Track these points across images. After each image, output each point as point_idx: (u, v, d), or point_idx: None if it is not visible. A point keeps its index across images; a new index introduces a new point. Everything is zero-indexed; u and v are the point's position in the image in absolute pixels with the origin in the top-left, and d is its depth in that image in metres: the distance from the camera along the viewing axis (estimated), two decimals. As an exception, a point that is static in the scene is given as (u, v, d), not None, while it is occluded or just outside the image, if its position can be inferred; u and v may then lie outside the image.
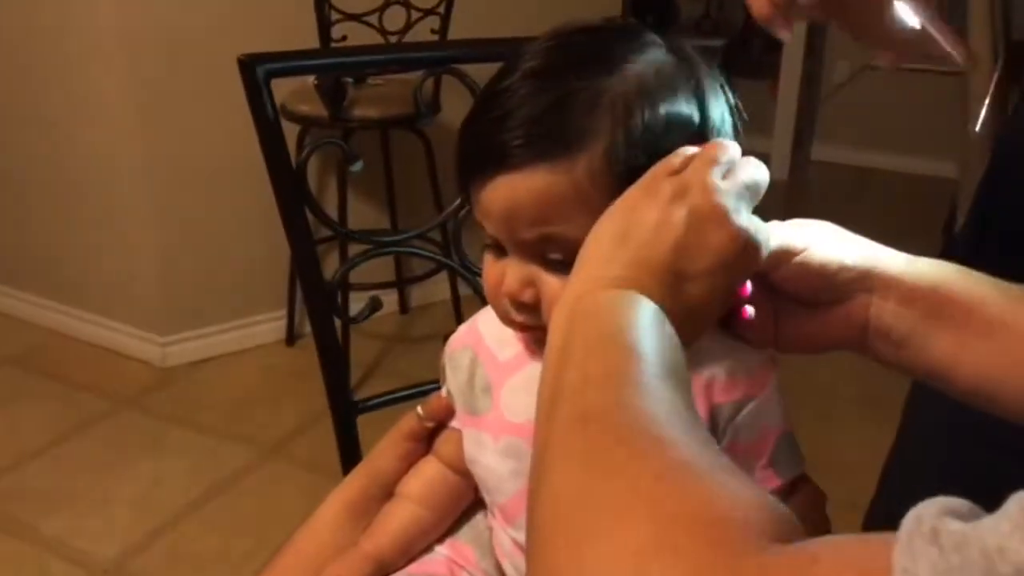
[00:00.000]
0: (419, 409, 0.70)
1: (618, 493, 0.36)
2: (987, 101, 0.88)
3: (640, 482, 0.36)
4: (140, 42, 2.04)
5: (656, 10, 4.03)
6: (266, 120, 0.79)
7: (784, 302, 0.60)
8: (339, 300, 0.88)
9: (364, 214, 2.40)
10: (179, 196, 2.20)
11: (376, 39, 2.04)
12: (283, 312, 2.40)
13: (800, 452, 0.63)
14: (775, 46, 3.51)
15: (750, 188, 0.52)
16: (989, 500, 0.30)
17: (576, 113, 0.54)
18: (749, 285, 0.59)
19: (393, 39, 2.06)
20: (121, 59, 2.06)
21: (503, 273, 0.58)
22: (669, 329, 0.48)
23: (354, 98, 2.05)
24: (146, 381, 2.23)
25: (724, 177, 0.51)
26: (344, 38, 2.01)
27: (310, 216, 0.83)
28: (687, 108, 0.56)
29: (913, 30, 0.67)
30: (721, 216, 0.50)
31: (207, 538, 1.73)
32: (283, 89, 2.00)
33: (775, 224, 0.59)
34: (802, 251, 0.57)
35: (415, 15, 2.07)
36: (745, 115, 0.62)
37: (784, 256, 0.57)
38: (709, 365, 0.59)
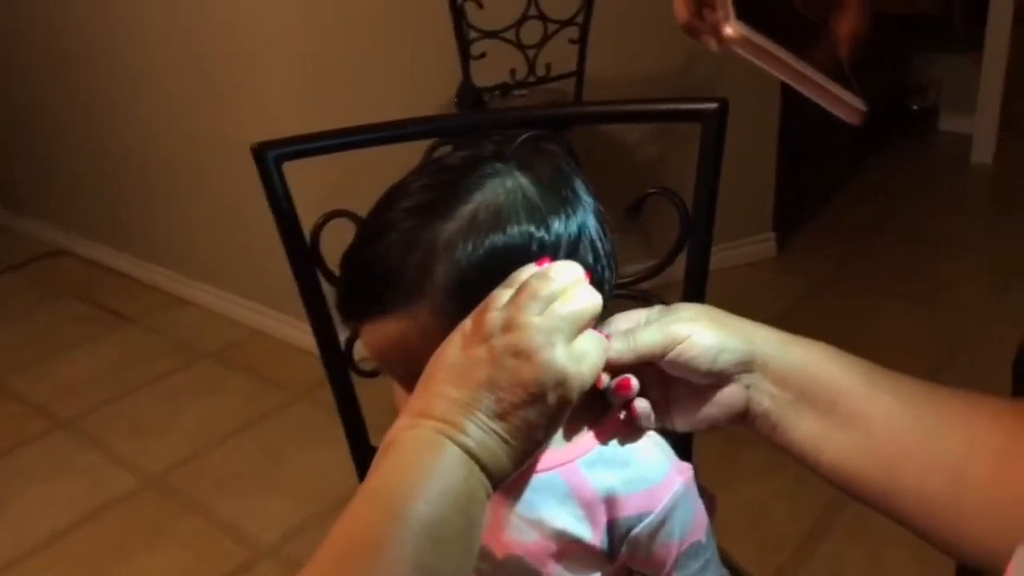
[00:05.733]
0: None
1: None
2: None
3: None
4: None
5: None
6: (278, 203, 0.88)
7: (674, 385, 0.63)
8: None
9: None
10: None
11: (515, 55, 2.10)
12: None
13: (716, 559, 0.65)
14: (979, 18, 3.14)
15: (571, 319, 0.54)
16: None
17: (415, 264, 0.58)
18: (634, 383, 0.61)
19: (531, 52, 2.10)
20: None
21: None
22: (468, 477, 0.51)
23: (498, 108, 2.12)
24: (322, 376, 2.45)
25: (543, 311, 0.53)
26: (483, 55, 2.08)
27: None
28: (521, 237, 0.58)
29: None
30: (529, 353, 0.52)
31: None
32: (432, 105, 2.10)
33: (657, 318, 0.61)
34: (684, 340, 0.60)
35: (552, 27, 2.10)
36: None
37: (667, 347, 0.60)
38: (609, 481, 0.62)
